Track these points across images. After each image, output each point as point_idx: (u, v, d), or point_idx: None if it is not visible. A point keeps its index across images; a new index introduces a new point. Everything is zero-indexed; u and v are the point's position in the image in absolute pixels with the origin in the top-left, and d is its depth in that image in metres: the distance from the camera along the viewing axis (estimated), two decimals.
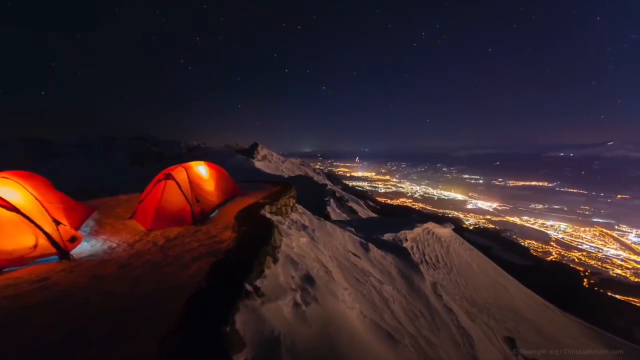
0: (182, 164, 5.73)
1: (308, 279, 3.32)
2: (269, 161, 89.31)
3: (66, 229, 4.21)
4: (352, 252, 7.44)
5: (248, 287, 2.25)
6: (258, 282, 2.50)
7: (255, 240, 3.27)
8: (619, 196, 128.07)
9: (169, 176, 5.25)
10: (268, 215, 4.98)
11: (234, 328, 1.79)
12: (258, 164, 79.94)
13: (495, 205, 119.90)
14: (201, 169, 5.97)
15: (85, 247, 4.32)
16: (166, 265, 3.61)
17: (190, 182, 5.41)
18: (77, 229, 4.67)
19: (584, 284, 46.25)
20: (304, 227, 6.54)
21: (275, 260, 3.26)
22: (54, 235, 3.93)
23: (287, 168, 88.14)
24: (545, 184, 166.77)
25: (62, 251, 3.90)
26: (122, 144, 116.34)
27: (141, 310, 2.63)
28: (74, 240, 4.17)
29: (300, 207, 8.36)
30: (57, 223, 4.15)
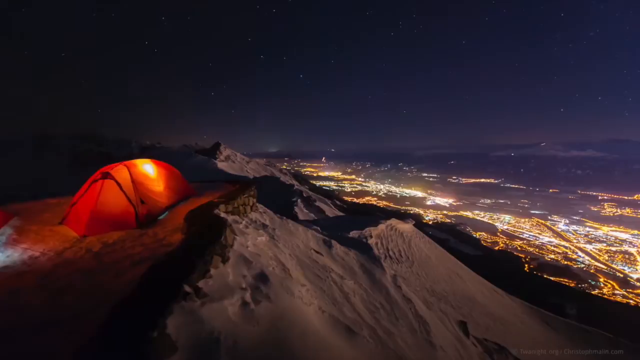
0: (124, 161, 5.19)
1: (262, 278, 3.18)
2: (232, 161, 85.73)
3: None
4: (314, 250, 7.40)
5: (187, 288, 2.06)
6: (201, 283, 2.32)
7: (203, 240, 3.04)
8: (550, 190, 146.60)
9: (106, 175, 4.71)
10: (222, 215, 4.71)
11: (164, 332, 1.61)
12: (221, 165, 76.30)
13: (451, 201, 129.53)
14: (147, 168, 5.46)
15: None
16: (99, 273, 3.21)
17: (134, 181, 4.91)
18: None
19: (525, 268, 52.01)
20: (264, 226, 6.35)
21: (225, 260, 3.07)
22: None
23: (252, 169, 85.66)
24: (492, 180, 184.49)
25: None
26: (59, 143, 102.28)
27: (61, 323, 2.28)
28: None
29: (261, 207, 8.12)
30: None
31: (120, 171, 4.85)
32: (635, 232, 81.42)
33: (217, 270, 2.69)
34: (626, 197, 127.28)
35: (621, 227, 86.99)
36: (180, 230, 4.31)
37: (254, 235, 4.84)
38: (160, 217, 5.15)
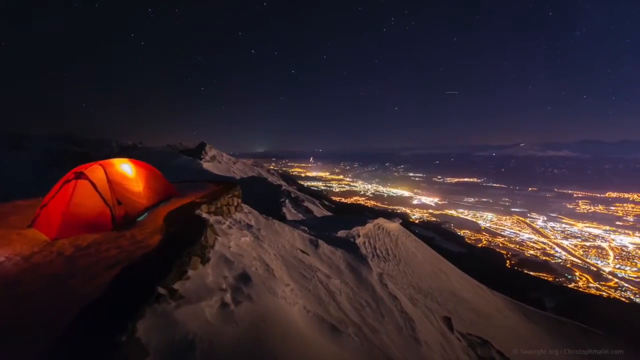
0: (99, 161, 4.97)
1: (243, 278, 3.11)
2: (218, 162, 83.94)
3: None
4: (300, 250, 7.35)
5: (161, 290, 1.98)
6: (177, 285, 2.23)
7: (181, 240, 2.94)
8: (529, 189, 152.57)
9: (80, 175, 4.48)
10: (204, 215, 4.59)
11: (133, 336, 1.53)
12: (206, 165, 74.56)
13: (436, 200, 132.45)
14: (125, 167, 5.25)
15: None
16: (70, 278, 3.04)
17: (110, 181, 4.71)
18: None
19: (507, 264, 53.86)
20: (249, 227, 6.25)
21: (205, 261, 2.98)
22: None
23: (239, 169, 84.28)
24: (475, 180, 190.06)
25: None
26: (33, 143, 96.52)
27: (25, 331, 2.14)
28: None
29: (246, 207, 7.99)
30: None
31: (95, 171, 4.63)
32: (607, 227, 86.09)
33: (195, 272, 2.61)
34: (598, 195, 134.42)
35: (594, 223, 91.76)
36: (159, 231, 4.16)
37: (237, 236, 4.75)
38: (140, 219, 4.95)
